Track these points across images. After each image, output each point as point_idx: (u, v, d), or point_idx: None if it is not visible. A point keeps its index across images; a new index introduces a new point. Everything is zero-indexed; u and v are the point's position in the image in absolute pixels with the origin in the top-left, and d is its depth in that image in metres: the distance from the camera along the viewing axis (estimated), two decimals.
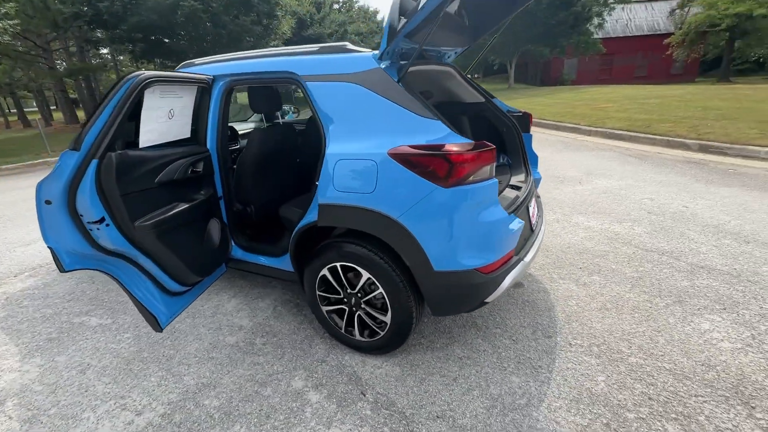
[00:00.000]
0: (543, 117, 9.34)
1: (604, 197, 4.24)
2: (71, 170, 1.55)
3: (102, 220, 1.60)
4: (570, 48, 24.19)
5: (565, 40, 23.01)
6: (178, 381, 1.94)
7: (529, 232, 2.10)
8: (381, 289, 1.80)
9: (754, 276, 2.53)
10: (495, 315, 2.31)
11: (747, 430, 1.50)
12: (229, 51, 2.71)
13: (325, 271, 1.96)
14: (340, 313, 2.05)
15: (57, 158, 1.63)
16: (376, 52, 1.81)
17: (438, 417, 1.65)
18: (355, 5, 34.48)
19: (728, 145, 5.63)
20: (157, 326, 1.85)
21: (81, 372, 2.03)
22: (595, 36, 24.91)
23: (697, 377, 1.76)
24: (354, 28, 29.42)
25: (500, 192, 2.12)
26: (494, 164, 1.64)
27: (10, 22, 11.79)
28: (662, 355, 1.91)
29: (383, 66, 1.76)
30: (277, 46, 18.14)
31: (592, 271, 2.73)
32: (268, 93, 2.40)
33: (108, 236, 1.63)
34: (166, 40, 16.53)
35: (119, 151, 1.60)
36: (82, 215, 1.62)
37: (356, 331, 1.99)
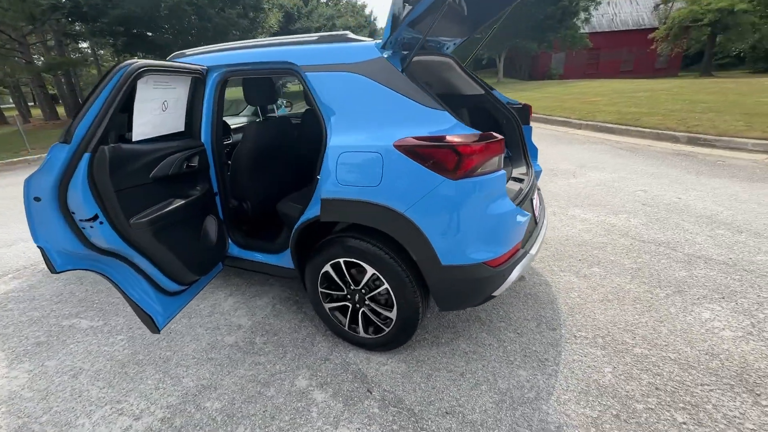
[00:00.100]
0: (533, 111, 9.35)
1: (598, 189, 4.27)
2: (62, 165, 1.46)
3: (95, 218, 1.52)
4: (557, 42, 24.37)
5: (552, 35, 23.16)
6: (177, 383, 1.87)
7: (533, 225, 2.08)
8: (386, 285, 1.76)
9: (749, 265, 2.57)
10: (498, 308, 2.29)
11: (754, 417, 1.51)
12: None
13: (327, 268, 1.91)
14: (343, 309, 2.00)
15: (38, 156, 1.53)
16: (379, 41, 1.75)
17: (447, 413, 1.62)
18: None
19: (716, 137, 5.73)
20: (154, 327, 1.78)
21: (73, 376, 1.95)
22: (582, 31, 25.15)
23: (702, 366, 1.78)
24: (342, 22, 29.09)
25: None
26: (503, 155, 1.61)
27: None
28: (666, 345, 1.92)
29: (386, 56, 1.71)
30: None
31: (592, 263, 2.73)
32: (264, 85, 2.32)
33: (102, 234, 1.55)
34: (150, 34, 16.09)
35: (112, 145, 1.51)
36: (73, 212, 1.53)
37: (360, 328, 1.95)
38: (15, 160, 8.25)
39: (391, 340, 1.89)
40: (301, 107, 5.54)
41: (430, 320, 2.22)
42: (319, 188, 1.80)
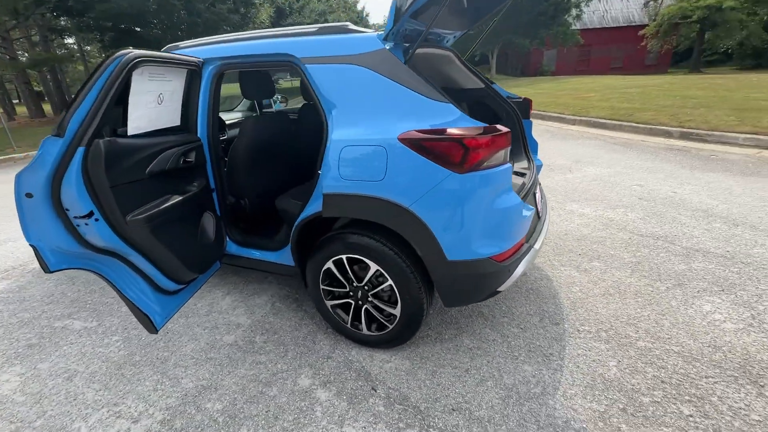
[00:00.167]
0: None
1: (595, 184, 4.28)
2: (55, 159, 1.39)
3: (90, 215, 1.46)
4: (549, 39, 24.49)
5: (545, 31, 23.26)
6: (176, 384, 1.83)
7: (536, 219, 2.07)
8: (390, 281, 1.74)
9: (747, 258, 2.59)
10: (501, 304, 2.28)
11: (759, 408, 1.52)
12: None
13: (329, 264, 1.88)
14: (345, 307, 1.97)
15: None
16: (381, 32, 1.71)
17: (454, 410, 1.61)
18: None
19: (708, 132, 5.79)
20: (152, 328, 1.73)
21: (67, 379, 1.89)
22: (574, 27, 25.29)
23: (705, 358, 1.78)
24: (334, 18, 28.88)
25: None
26: (509, 148, 1.59)
27: None
28: (669, 338, 1.92)
29: (388, 47, 1.67)
30: None
31: (592, 257, 2.73)
32: (261, 78, 2.26)
33: (97, 232, 1.49)
34: (138, 29, 15.77)
35: (107, 138, 1.45)
36: (67, 209, 1.46)
37: (363, 326, 1.92)
38: (0, 158, 8.04)
39: (395, 337, 1.87)
40: (295, 103, 5.48)
41: (433, 316, 2.20)
42: (320, 183, 1.76)
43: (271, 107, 4.32)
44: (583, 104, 9.12)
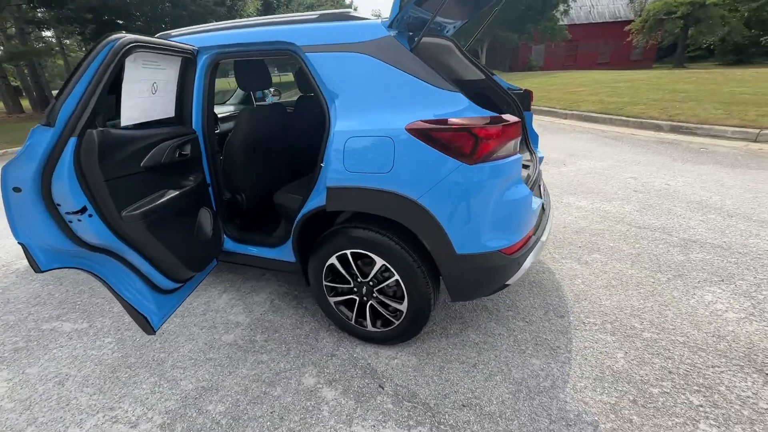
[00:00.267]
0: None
1: (589, 177, 4.30)
2: (45, 150, 1.30)
3: (84, 210, 1.37)
4: (537, 34, 24.64)
5: (533, 26, 23.39)
6: (175, 387, 1.76)
7: (541, 211, 2.05)
8: (396, 276, 1.69)
9: (743, 248, 2.62)
10: (504, 297, 2.26)
11: (767, 397, 1.53)
12: None
13: (333, 260, 1.82)
14: (349, 303, 1.92)
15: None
16: (385, 19, 1.66)
17: (464, 406, 1.58)
18: None
19: (697, 125, 5.87)
20: (149, 328, 1.65)
21: (59, 384, 1.81)
22: (561, 22, 25.48)
23: (710, 348, 1.79)
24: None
25: None
26: (519, 139, 1.55)
27: None
28: (673, 329, 1.92)
29: (393, 35, 1.61)
30: None
31: (592, 250, 2.74)
32: (258, 68, 2.18)
33: (91, 228, 1.40)
34: (120, 22, 15.29)
35: (101, 128, 1.36)
36: (59, 204, 1.37)
37: (368, 322, 1.88)
38: None
39: (401, 333, 1.83)
40: (288, 96, 5.37)
41: (437, 311, 2.17)
42: (322, 176, 1.70)
43: (264, 101, 4.21)
44: (574, 98, 9.18)
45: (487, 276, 1.62)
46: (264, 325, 2.15)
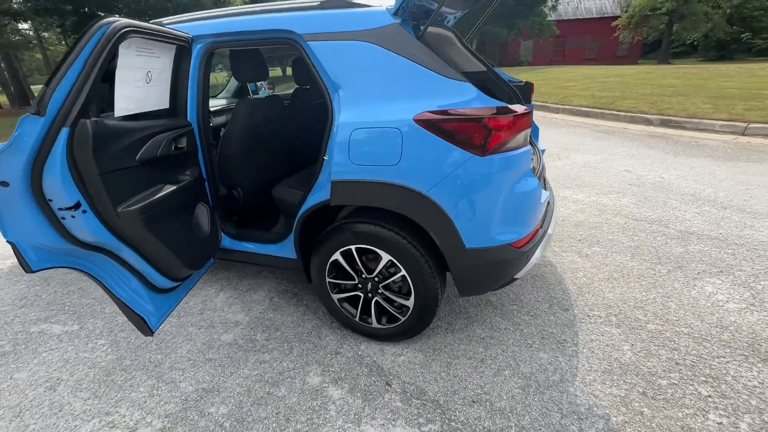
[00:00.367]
0: None
1: (585, 171, 4.32)
2: (35, 141, 1.21)
3: (77, 206, 1.28)
4: (526, 30, 24.75)
5: (522, 21, 23.49)
6: (174, 389, 1.69)
7: (547, 204, 2.03)
8: (403, 271, 1.65)
9: (739, 239, 2.65)
10: (508, 291, 2.24)
11: None
12: None
13: (337, 256, 1.77)
14: (353, 300, 1.88)
15: None
16: (390, 6, 1.60)
17: (474, 402, 1.55)
18: None
19: (686, 119, 5.95)
20: (147, 329, 1.58)
21: (50, 389, 1.73)
22: (549, 18, 25.64)
23: (715, 339, 1.80)
24: None
25: None
26: (529, 130, 1.52)
27: None
28: (677, 320, 1.93)
29: (398, 22, 1.56)
30: None
31: (592, 243, 2.74)
32: (255, 58, 2.10)
33: (85, 225, 1.32)
34: (102, 14, 14.82)
35: (94, 118, 1.28)
36: (51, 200, 1.28)
37: (373, 319, 1.84)
38: None
39: (407, 330, 1.79)
40: (282, 89, 5.26)
41: (441, 306, 2.13)
42: (326, 170, 1.65)
43: (257, 94, 4.11)
44: (565, 93, 9.24)
45: (496, 270, 1.59)
46: (264, 324, 2.09)
